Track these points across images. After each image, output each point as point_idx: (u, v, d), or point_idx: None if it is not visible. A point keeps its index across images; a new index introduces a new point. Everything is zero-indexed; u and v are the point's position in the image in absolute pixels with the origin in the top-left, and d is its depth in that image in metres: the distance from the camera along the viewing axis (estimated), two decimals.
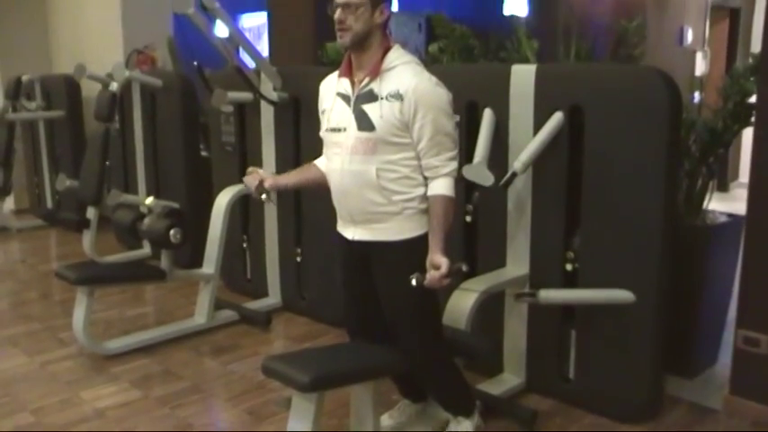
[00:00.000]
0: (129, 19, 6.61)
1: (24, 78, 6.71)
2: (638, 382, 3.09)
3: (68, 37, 7.44)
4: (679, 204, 3.48)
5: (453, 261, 2.41)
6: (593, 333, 3.18)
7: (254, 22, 10.09)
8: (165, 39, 6.41)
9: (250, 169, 2.82)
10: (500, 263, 3.37)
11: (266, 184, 2.74)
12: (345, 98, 2.51)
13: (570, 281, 3.22)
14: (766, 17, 2.86)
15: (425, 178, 2.48)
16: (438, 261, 2.39)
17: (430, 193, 2.47)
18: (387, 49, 2.48)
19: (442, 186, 2.46)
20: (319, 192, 2.76)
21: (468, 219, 3.55)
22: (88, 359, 3.89)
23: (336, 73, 2.60)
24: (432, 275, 2.39)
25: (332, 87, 2.60)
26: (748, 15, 9.02)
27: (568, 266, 3.21)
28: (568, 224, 3.20)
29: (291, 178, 2.88)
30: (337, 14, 2.42)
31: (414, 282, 2.39)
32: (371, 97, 2.43)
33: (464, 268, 2.50)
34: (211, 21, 3.92)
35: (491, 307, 3.28)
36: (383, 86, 2.42)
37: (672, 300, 3.11)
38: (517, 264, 3.32)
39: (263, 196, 2.71)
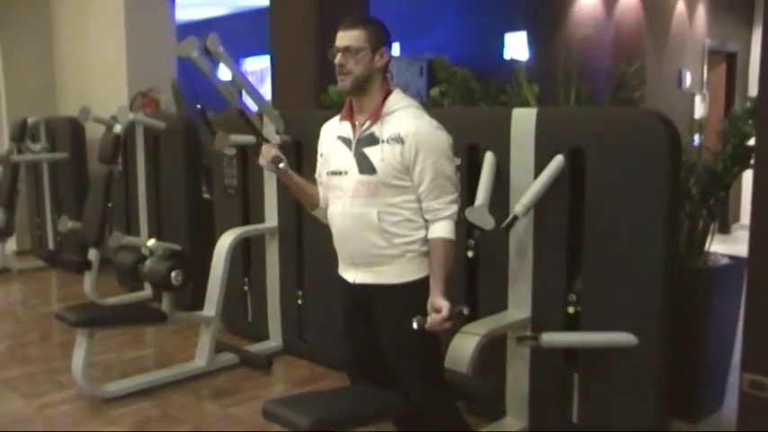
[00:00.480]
0: (134, 62, 6.70)
1: (30, 120, 6.77)
2: (643, 425, 3.05)
3: (74, 79, 7.53)
4: (680, 246, 3.48)
5: (454, 303, 2.41)
6: (597, 376, 3.16)
7: (257, 66, 10.22)
8: (169, 82, 6.49)
9: (272, 143, 2.75)
10: (502, 306, 3.36)
11: (283, 161, 2.68)
12: (346, 141, 2.53)
13: (572, 323, 3.20)
14: (762, 62, 2.89)
15: (426, 221, 2.49)
16: (439, 304, 2.39)
17: (430, 236, 2.47)
18: (387, 93, 2.51)
19: (442, 229, 2.46)
20: (320, 230, 2.75)
21: (471, 254, 3.54)
22: (87, 402, 3.85)
23: (337, 117, 2.62)
24: (433, 319, 2.38)
25: (333, 131, 2.62)
26: (744, 59, 9.14)
27: (570, 309, 3.20)
28: (570, 267, 3.19)
29: (298, 178, 2.79)
30: (338, 59, 2.46)
31: (415, 325, 2.38)
32: (372, 140, 2.45)
33: (465, 311, 2.49)
34: (215, 64, 3.96)
35: (493, 350, 3.26)
36: (384, 130, 2.44)
37: (675, 342, 3.09)
38: (519, 307, 3.31)
39: (281, 165, 2.67)
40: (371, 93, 2.49)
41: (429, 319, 2.38)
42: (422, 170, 2.41)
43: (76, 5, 7.32)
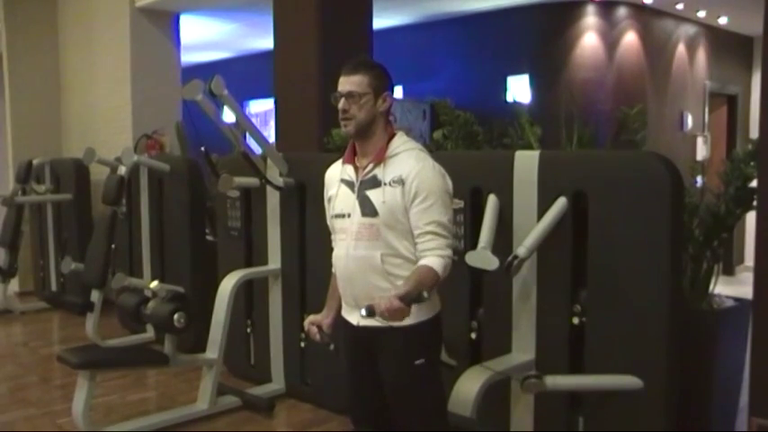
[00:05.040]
0: (139, 104, 6.77)
1: (35, 162, 6.83)
2: None
3: (79, 122, 7.60)
4: (685, 289, 3.47)
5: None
6: (602, 420, 3.12)
7: (261, 108, 10.30)
8: (173, 124, 6.53)
9: (307, 324, 2.74)
10: (506, 349, 3.33)
11: (325, 330, 2.67)
12: (349, 184, 2.54)
13: (577, 366, 3.17)
14: (762, 104, 2.91)
15: None
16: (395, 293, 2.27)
17: (419, 263, 2.40)
18: (391, 136, 2.52)
19: (432, 261, 2.39)
20: (323, 273, 2.74)
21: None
22: None
23: (340, 160, 2.63)
24: (380, 298, 2.27)
25: (336, 174, 2.63)
26: (745, 102, 9.20)
27: (576, 310, 3.17)
28: (574, 309, 3.17)
29: (334, 304, 2.73)
30: (341, 104, 2.47)
31: (363, 312, 2.24)
32: (375, 183, 2.46)
33: (426, 294, 2.36)
34: (219, 107, 4.00)
35: (497, 395, 3.23)
36: (387, 172, 2.45)
37: (681, 386, 3.06)
38: (523, 349, 3.28)
39: (332, 347, 2.68)
40: (375, 136, 2.50)
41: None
42: (419, 212, 2.40)
43: (83, 48, 7.42)
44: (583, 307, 3.14)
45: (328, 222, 2.67)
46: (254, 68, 9.73)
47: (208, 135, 4.36)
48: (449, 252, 2.44)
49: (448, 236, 2.45)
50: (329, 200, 2.64)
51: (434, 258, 2.41)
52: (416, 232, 2.43)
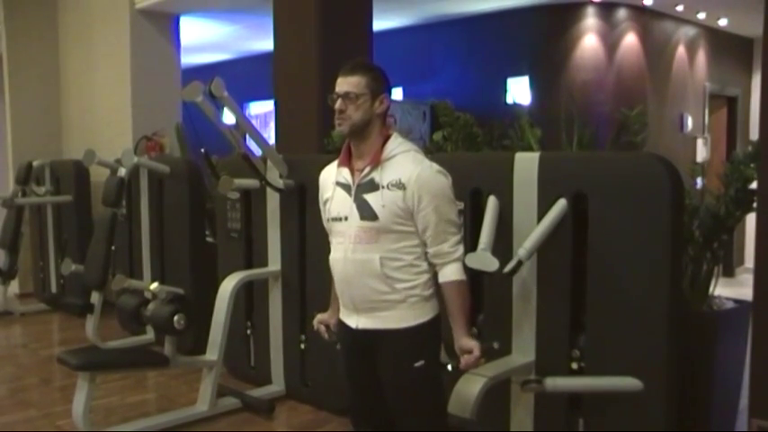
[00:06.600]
0: (139, 106, 6.77)
1: (35, 163, 6.83)
2: None
3: (79, 123, 7.60)
4: (685, 290, 3.46)
5: (482, 341, 2.45)
6: (602, 421, 3.12)
7: (261, 110, 10.31)
8: (173, 125, 6.53)
9: (316, 323, 2.82)
10: (506, 350, 3.33)
11: (332, 329, 2.77)
12: (346, 187, 2.53)
13: (577, 367, 3.17)
14: (762, 106, 2.91)
15: (429, 265, 2.49)
16: (468, 345, 2.43)
17: (443, 280, 2.49)
18: (386, 138, 2.52)
19: (454, 272, 2.48)
20: (323, 274, 2.77)
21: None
22: None
23: (335, 162, 2.63)
24: (467, 359, 2.42)
25: (331, 177, 2.62)
26: (745, 103, 9.21)
27: (575, 355, 3.16)
28: (574, 310, 3.17)
29: (337, 304, 2.74)
30: (338, 104, 2.47)
31: (449, 368, 2.46)
32: (373, 186, 2.46)
33: (496, 346, 2.52)
34: (219, 108, 3.99)
35: (497, 395, 3.23)
36: (384, 175, 2.45)
37: (682, 387, 3.06)
38: (523, 351, 3.28)
39: (339, 345, 2.74)
40: (370, 138, 2.50)
41: (462, 359, 2.43)
42: (426, 215, 2.42)
43: (83, 50, 7.42)
44: (582, 308, 3.14)
45: (324, 225, 2.67)
46: (255, 70, 9.73)
47: (208, 137, 4.36)
48: (461, 250, 2.51)
49: (457, 231, 2.50)
50: (325, 203, 2.64)
51: (453, 267, 2.48)
52: (428, 233, 2.45)
